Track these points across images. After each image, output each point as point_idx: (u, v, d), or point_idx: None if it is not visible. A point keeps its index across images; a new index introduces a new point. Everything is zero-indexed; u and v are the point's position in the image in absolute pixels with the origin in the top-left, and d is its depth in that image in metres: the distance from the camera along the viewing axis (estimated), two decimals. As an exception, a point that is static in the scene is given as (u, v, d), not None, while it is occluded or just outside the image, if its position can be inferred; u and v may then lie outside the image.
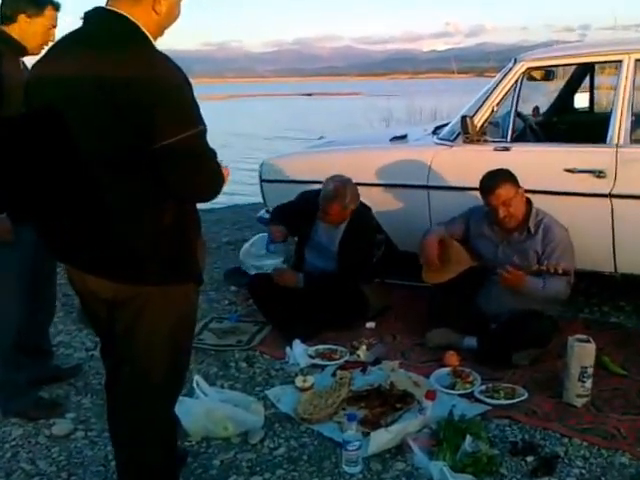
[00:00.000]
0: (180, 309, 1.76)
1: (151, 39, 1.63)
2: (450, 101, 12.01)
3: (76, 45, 1.63)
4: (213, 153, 1.65)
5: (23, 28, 2.46)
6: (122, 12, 1.60)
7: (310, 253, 3.68)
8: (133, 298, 1.69)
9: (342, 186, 3.46)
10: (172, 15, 1.70)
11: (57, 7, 2.54)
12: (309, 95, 49.73)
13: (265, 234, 3.91)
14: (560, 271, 2.83)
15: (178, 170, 1.57)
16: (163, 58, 1.57)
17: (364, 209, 3.58)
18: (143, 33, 1.61)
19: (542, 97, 5.15)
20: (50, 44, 2.50)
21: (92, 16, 1.64)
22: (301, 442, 2.48)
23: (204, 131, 1.59)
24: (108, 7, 1.62)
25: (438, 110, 11.74)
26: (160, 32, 1.70)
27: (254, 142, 14.37)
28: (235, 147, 13.51)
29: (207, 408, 2.51)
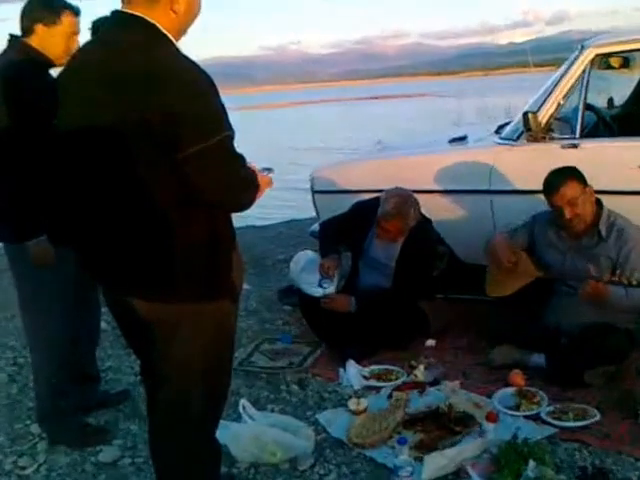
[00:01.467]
0: (215, 327, 1.83)
1: (173, 41, 1.70)
2: (526, 98, 11.79)
3: (96, 55, 1.70)
4: (241, 159, 1.70)
5: (43, 38, 2.50)
6: (140, 14, 1.66)
7: (364, 269, 3.71)
8: (166, 317, 1.77)
9: (404, 203, 3.46)
10: (192, 13, 1.75)
11: (76, 12, 2.57)
12: (375, 99, 49.89)
13: (309, 251, 3.97)
14: (634, 283, 2.74)
15: (204, 178, 1.61)
16: (187, 62, 1.63)
17: (424, 222, 3.58)
18: (165, 35, 1.67)
19: (618, 87, 5.00)
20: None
21: (109, 21, 1.72)
22: (353, 468, 2.51)
23: (230, 137, 1.65)
24: (125, 10, 1.69)
25: (512, 108, 11.57)
26: (181, 32, 1.75)
27: (313, 152, 14.52)
28: (292, 158, 13.72)
29: (254, 433, 2.58)
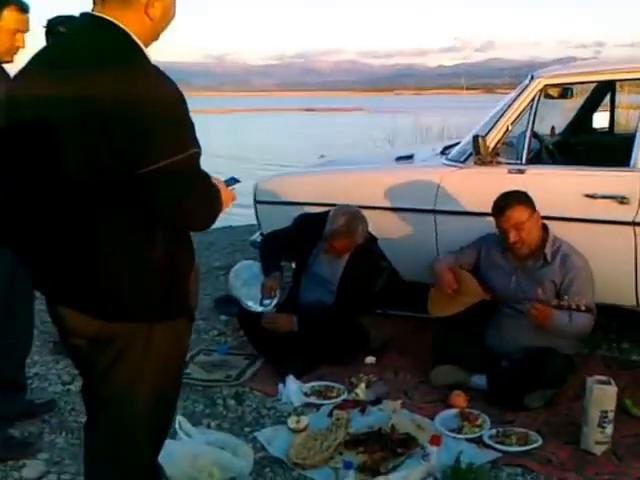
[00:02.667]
0: (168, 348, 1.69)
1: (143, 49, 1.55)
2: (458, 119, 12.07)
3: (57, 58, 1.57)
4: (206, 177, 1.57)
5: None
6: (110, 19, 1.52)
7: (307, 284, 3.61)
8: (116, 336, 1.62)
9: (353, 220, 3.40)
10: (167, 18, 1.63)
11: (23, 9, 2.43)
12: (310, 110, 50.14)
13: (250, 262, 3.85)
14: (583, 308, 2.75)
15: (167, 196, 1.49)
16: (156, 73, 1.50)
17: (370, 240, 3.53)
18: (134, 43, 1.54)
19: (557, 116, 5.14)
20: (20, 51, 2.45)
21: (78, 23, 1.60)
22: (293, 490, 2.41)
23: (198, 154, 1.52)
24: (94, 13, 1.55)
25: (446, 128, 11.80)
26: (154, 38, 1.62)
27: (249, 159, 14.40)
28: (230, 164, 13.53)
29: (191, 452, 2.44)
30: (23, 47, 2.45)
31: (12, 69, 2.40)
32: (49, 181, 1.54)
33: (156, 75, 1.49)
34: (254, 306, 3.53)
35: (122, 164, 1.45)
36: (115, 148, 1.44)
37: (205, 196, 1.56)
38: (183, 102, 1.51)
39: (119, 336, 1.62)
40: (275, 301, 3.52)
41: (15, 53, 2.45)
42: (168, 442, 2.36)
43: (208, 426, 2.83)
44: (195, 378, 3.26)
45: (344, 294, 3.47)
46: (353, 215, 3.42)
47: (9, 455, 2.58)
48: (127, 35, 1.53)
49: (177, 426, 2.49)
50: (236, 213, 7.98)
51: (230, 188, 1.74)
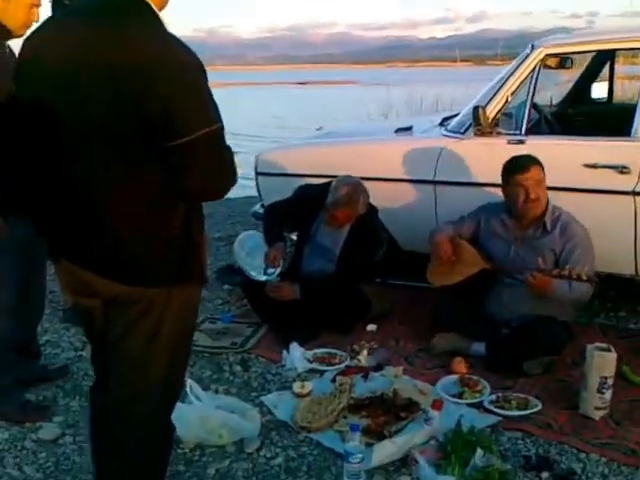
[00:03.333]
0: (183, 311, 1.72)
1: (162, 20, 1.52)
2: (451, 90, 11.97)
3: (76, 22, 1.53)
4: (230, 150, 1.59)
5: (1, 9, 2.38)
6: None
7: (309, 254, 3.61)
8: (137, 300, 1.64)
9: (354, 192, 3.40)
10: None
11: None
12: (302, 84, 49.58)
13: (253, 233, 3.84)
14: (584, 277, 2.75)
15: (194, 168, 1.50)
16: (177, 40, 1.48)
17: (371, 210, 3.53)
18: (156, 15, 1.51)
19: (555, 86, 5.10)
20: (34, 25, 2.43)
21: None
22: (300, 452, 2.44)
23: (222, 129, 1.53)
24: None
25: (440, 100, 11.71)
26: (164, 6, 1.59)
27: (247, 132, 14.26)
28: (229, 134, 13.38)
29: (201, 415, 2.47)
30: (37, 21, 2.44)
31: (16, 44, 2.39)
32: (69, 152, 1.53)
33: (179, 42, 1.48)
34: (258, 275, 3.54)
35: (151, 136, 1.45)
36: (146, 120, 1.43)
37: (229, 169, 1.59)
38: (205, 74, 1.50)
39: (139, 299, 1.64)
40: (278, 270, 3.53)
41: (29, 27, 2.43)
42: (179, 405, 2.40)
43: (216, 391, 2.85)
44: (202, 345, 3.27)
45: (345, 264, 3.48)
46: (355, 186, 3.42)
47: (26, 418, 2.63)
48: (149, 7, 1.50)
49: (188, 390, 2.51)
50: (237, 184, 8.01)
51: None
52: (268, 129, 14.70)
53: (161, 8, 1.56)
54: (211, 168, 1.53)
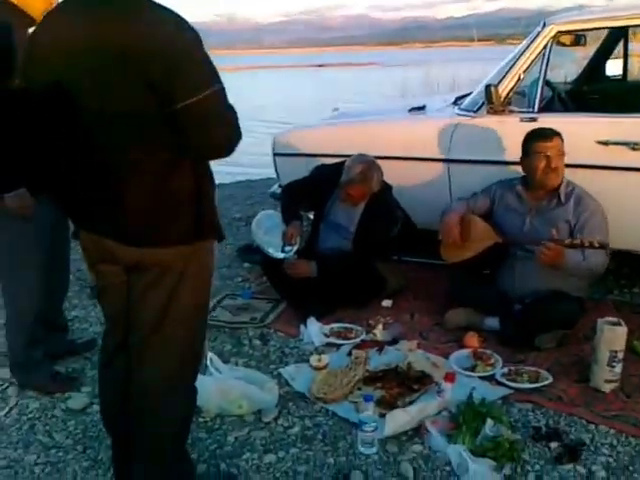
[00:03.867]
0: (200, 268, 1.78)
1: None
2: (469, 70, 11.85)
3: (79, 6, 1.58)
4: (233, 110, 1.64)
5: None
6: None
7: (325, 232, 3.64)
8: (159, 260, 1.69)
9: (369, 169, 3.41)
10: None
11: None
12: (320, 66, 49.26)
13: (270, 212, 3.88)
14: (597, 245, 2.74)
15: (202, 128, 1.57)
16: (175, 14, 1.55)
17: (385, 188, 3.54)
18: None
19: (571, 64, 5.03)
20: None
21: None
22: (315, 421, 2.48)
23: (224, 88, 1.59)
24: None
25: (457, 80, 11.61)
26: None
27: (265, 115, 14.26)
28: (246, 120, 13.37)
29: (221, 386, 2.53)
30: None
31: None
32: (85, 126, 1.58)
33: (177, 15, 1.55)
34: (275, 253, 3.57)
35: (158, 101, 1.51)
36: (153, 86, 1.49)
37: (234, 126, 1.64)
38: (200, 40, 1.57)
39: (163, 259, 1.69)
40: (295, 248, 3.56)
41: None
42: (200, 377, 2.46)
43: (236, 364, 2.91)
44: (222, 320, 3.33)
45: (360, 241, 3.50)
46: (369, 164, 3.43)
47: (56, 388, 2.73)
48: None
49: (208, 362, 2.57)
50: (252, 165, 8.02)
51: None
52: (285, 112, 14.65)
53: None
54: (218, 126, 1.60)
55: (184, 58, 1.51)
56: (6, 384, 2.82)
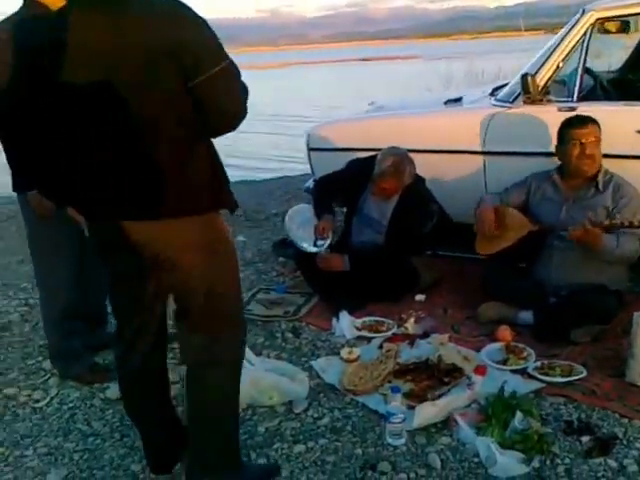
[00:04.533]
0: (221, 234, 1.87)
1: None
2: (517, 62, 11.62)
3: (93, 5, 1.64)
4: (245, 85, 1.75)
5: None
6: None
7: (358, 226, 3.66)
8: (176, 236, 1.76)
9: (400, 162, 3.42)
10: None
11: None
12: (366, 60, 49.13)
13: (303, 206, 3.93)
14: (637, 223, 2.72)
15: (217, 100, 1.68)
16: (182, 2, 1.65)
17: (418, 181, 3.54)
18: None
19: (616, 52, 4.90)
20: None
21: None
22: (345, 413, 2.52)
23: (233, 62, 1.70)
24: None
25: (502, 72, 11.42)
26: None
27: (306, 110, 14.34)
28: (287, 115, 13.49)
29: (253, 377, 2.58)
30: None
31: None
32: (110, 112, 1.65)
33: (178, 2, 1.65)
34: (308, 247, 3.63)
35: (180, 81, 1.62)
36: (172, 69, 1.60)
37: (244, 100, 1.75)
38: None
39: (175, 239, 1.76)
40: (328, 242, 3.61)
41: None
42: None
43: (268, 356, 2.97)
44: (256, 314, 3.40)
45: (394, 235, 3.51)
46: (400, 156, 3.44)
47: (95, 379, 2.83)
48: None
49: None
50: (292, 160, 8.08)
51: None
52: (325, 106, 14.70)
53: None
54: (230, 99, 1.71)
55: (198, 36, 1.63)
56: (48, 374, 2.95)
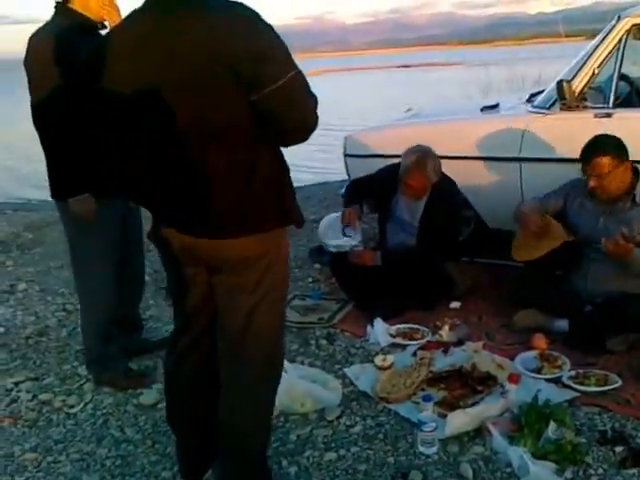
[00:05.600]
0: (282, 254, 1.87)
1: None
2: (557, 68, 11.42)
3: (156, 11, 1.64)
4: (312, 93, 1.69)
5: (82, 1, 2.49)
6: None
7: (391, 229, 3.67)
8: (241, 254, 1.74)
9: (423, 156, 3.42)
10: None
11: None
12: (406, 67, 48.94)
13: (336, 213, 3.92)
14: None
15: (285, 112, 1.63)
16: (249, 9, 1.61)
17: (447, 182, 3.52)
18: None
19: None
20: (114, 14, 2.52)
21: None
22: (378, 421, 2.51)
23: (302, 72, 1.65)
24: None
25: (542, 78, 11.23)
26: None
27: (346, 116, 14.35)
28: (326, 122, 13.48)
29: (286, 384, 2.54)
30: (116, 9, 2.57)
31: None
32: (171, 127, 1.63)
33: (251, 11, 1.61)
34: (338, 241, 3.61)
35: (245, 91, 1.58)
36: (240, 79, 1.57)
37: (313, 110, 1.69)
38: (274, 29, 1.64)
39: (240, 256, 1.74)
40: (358, 236, 3.61)
41: (108, 17, 2.55)
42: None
43: (302, 363, 2.98)
44: (290, 321, 3.39)
45: (425, 235, 3.50)
46: (423, 152, 3.44)
47: (129, 384, 2.85)
48: None
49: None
50: (331, 168, 8.09)
51: None
52: (364, 113, 14.69)
53: None
54: (300, 109, 1.66)
55: (267, 47, 1.59)
56: (83, 380, 2.98)
